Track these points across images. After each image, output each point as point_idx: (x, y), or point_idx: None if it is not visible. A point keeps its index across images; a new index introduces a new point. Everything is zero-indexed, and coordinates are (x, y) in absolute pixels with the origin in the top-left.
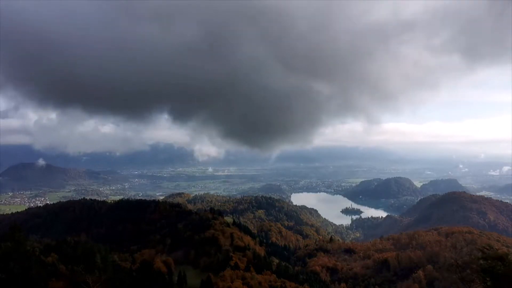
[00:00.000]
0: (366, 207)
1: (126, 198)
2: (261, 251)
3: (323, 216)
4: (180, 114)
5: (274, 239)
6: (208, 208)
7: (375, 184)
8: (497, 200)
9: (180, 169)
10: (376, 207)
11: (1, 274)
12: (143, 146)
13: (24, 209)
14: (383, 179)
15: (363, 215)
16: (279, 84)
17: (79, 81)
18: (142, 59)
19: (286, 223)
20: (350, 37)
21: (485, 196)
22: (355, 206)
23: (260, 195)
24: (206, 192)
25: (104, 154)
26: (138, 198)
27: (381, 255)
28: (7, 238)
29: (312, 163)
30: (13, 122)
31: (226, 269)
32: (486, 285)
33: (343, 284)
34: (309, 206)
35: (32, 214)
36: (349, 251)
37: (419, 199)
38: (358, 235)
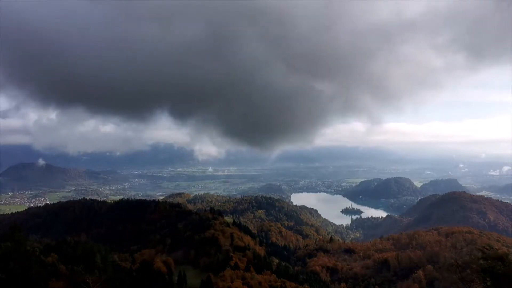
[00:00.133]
0: (366, 207)
1: (126, 198)
2: (261, 251)
3: (323, 216)
4: (180, 114)
5: (274, 239)
6: (208, 208)
7: (375, 184)
8: (497, 200)
9: (180, 169)
10: (376, 207)
11: (1, 274)
12: (143, 146)
13: (24, 209)
14: (383, 179)
15: (363, 215)
16: (280, 84)
17: (79, 81)
18: (142, 59)
19: (286, 223)
20: (352, 37)
21: (485, 196)
22: (355, 206)
23: (260, 195)
24: (206, 192)
25: (104, 154)
26: (138, 198)
27: (381, 255)
28: (7, 238)
29: (312, 163)
30: (13, 122)
31: (226, 269)
32: (486, 285)
33: (343, 284)
34: (309, 206)
35: (32, 214)
36: (349, 251)
37: (419, 199)
38: (358, 235)
